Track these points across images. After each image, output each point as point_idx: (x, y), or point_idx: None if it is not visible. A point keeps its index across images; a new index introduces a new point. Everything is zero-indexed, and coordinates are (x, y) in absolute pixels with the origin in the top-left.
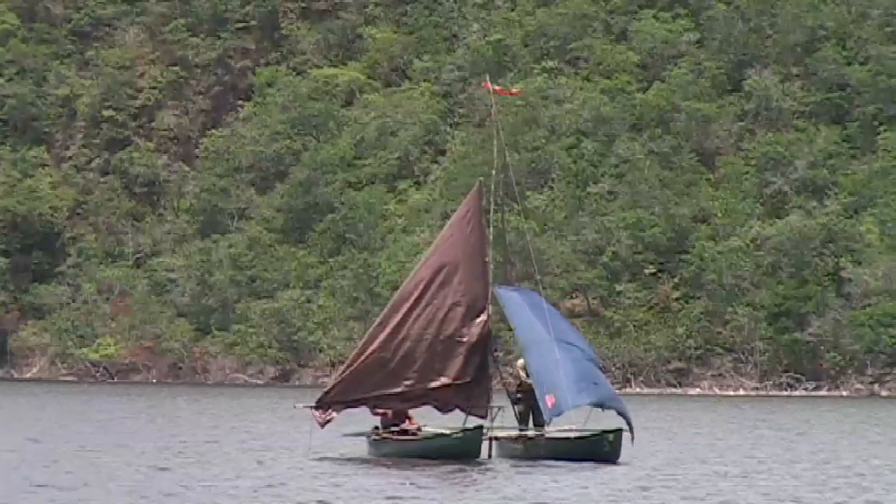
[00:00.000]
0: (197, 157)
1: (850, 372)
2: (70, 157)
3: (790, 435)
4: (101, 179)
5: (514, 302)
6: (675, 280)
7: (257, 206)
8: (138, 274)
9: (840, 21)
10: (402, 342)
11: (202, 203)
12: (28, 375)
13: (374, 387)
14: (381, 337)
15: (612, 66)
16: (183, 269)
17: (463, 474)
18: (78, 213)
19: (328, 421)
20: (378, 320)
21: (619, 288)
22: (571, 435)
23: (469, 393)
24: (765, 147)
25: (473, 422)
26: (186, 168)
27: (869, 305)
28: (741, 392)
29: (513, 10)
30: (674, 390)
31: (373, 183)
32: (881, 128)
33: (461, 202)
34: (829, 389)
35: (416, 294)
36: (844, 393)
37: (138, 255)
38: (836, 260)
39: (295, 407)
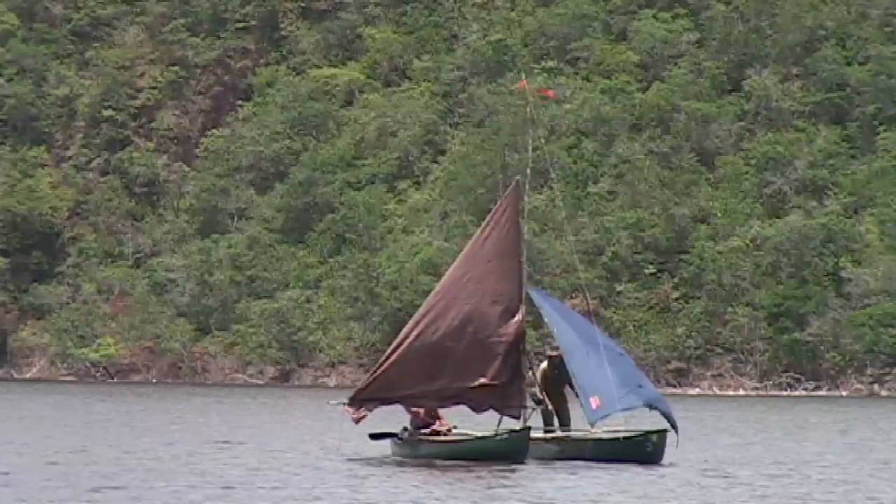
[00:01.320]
0: (197, 157)
1: (849, 372)
2: (70, 157)
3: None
4: (101, 179)
5: (550, 303)
6: (675, 280)
7: (257, 206)
8: (138, 274)
9: (840, 21)
10: (439, 340)
11: (202, 203)
12: (28, 375)
13: (410, 385)
14: (418, 334)
15: (612, 66)
16: (183, 269)
17: (506, 476)
18: (78, 213)
19: (362, 418)
20: (414, 318)
21: (618, 288)
22: (613, 436)
23: (503, 393)
24: (764, 147)
25: (508, 423)
26: (186, 168)
27: (869, 305)
28: (741, 392)
29: (513, 10)
30: (673, 390)
31: (373, 183)
32: (881, 128)
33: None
34: (828, 389)
35: (453, 292)
36: (844, 393)
37: (138, 255)
38: (835, 260)
39: (329, 403)
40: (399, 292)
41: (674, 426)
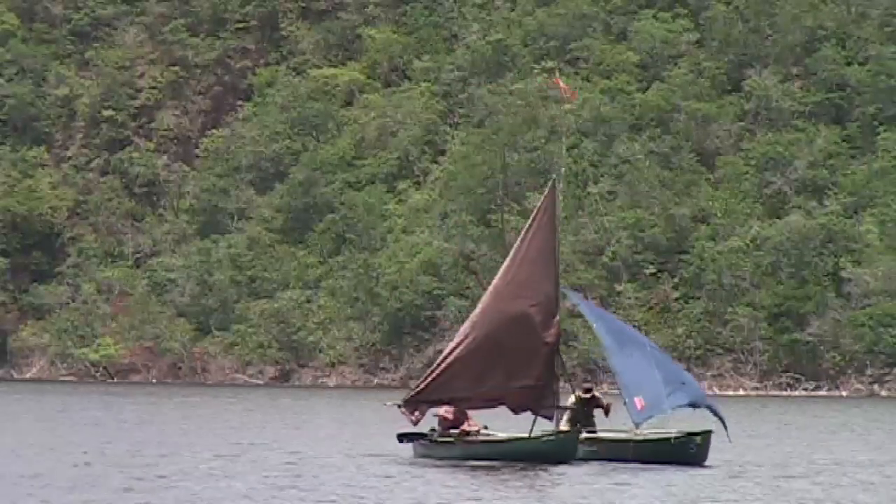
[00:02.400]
0: (197, 157)
1: (849, 372)
2: (70, 158)
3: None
4: (101, 179)
5: (587, 304)
6: (675, 280)
7: (257, 206)
8: (138, 274)
9: (840, 21)
10: (488, 342)
11: (202, 203)
12: (28, 376)
13: (461, 387)
14: (471, 337)
15: (612, 67)
16: (183, 270)
17: (547, 477)
18: (78, 214)
19: (419, 420)
20: (469, 320)
21: (618, 288)
22: (655, 437)
23: (540, 394)
24: (764, 147)
25: (542, 424)
26: (186, 168)
27: (869, 305)
28: (741, 392)
29: (512, 10)
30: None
31: (372, 183)
32: (881, 128)
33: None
34: (828, 389)
35: (501, 294)
36: (844, 393)
37: (138, 256)
38: (835, 260)
39: (385, 405)
40: (399, 292)
41: (723, 423)
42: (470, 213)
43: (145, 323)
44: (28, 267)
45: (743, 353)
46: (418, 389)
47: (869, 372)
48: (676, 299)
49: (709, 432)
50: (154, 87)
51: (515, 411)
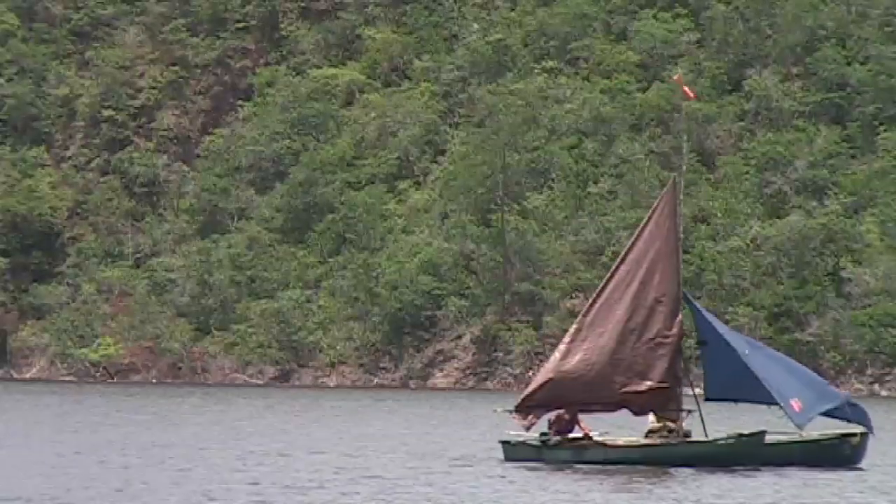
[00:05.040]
0: (197, 157)
1: (850, 372)
2: (70, 157)
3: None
4: (101, 179)
5: (701, 307)
6: None
7: (257, 206)
8: (138, 274)
9: (840, 21)
10: (605, 344)
11: (202, 203)
12: (28, 376)
13: (579, 391)
14: (584, 340)
15: (612, 66)
16: (182, 270)
17: (704, 478)
18: (77, 213)
19: (532, 424)
20: (577, 321)
21: None
22: (805, 438)
23: (667, 395)
24: (765, 147)
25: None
26: (186, 168)
27: (869, 305)
28: None
29: (513, 10)
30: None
31: (372, 183)
32: (881, 128)
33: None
34: None
35: (617, 294)
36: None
37: (138, 256)
38: (835, 260)
39: (495, 411)
40: (399, 292)
41: (869, 427)
42: (470, 212)
43: (145, 323)
44: (28, 267)
45: None
46: (527, 395)
47: (869, 372)
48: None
49: (865, 433)
50: (154, 87)
51: (637, 414)
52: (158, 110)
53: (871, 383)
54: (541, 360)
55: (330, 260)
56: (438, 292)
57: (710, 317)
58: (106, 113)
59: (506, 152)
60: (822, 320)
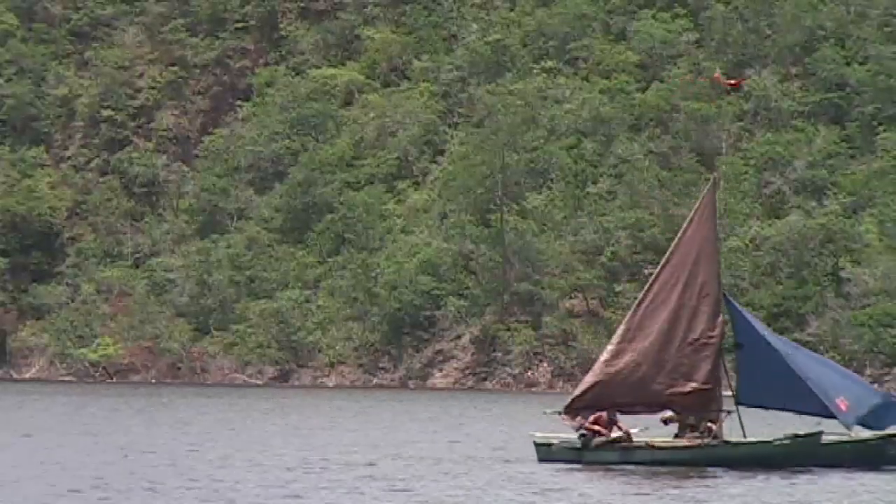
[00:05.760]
0: (196, 157)
1: None
2: (69, 158)
3: None
4: (100, 179)
5: (742, 307)
6: None
7: (256, 206)
8: (137, 274)
9: (839, 21)
10: (651, 345)
11: (201, 203)
12: (27, 376)
13: (625, 392)
14: (633, 341)
15: (611, 67)
16: (182, 270)
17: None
18: (77, 214)
19: (581, 426)
20: (624, 322)
21: (617, 288)
22: (855, 438)
23: (709, 396)
24: (764, 147)
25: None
26: (185, 168)
27: (868, 305)
28: None
29: (512, 10)
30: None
31: (372, 183)
32: (880, 128)
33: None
34: None
35: (662, 295)
36: None
37: (137, 256)
38: (835, 260)
39: (545, 413)
40: (398, 292)
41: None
42: (469, 213)
43: (144, 323)
44: (27, 267)
45: None
46: (576, 396)
47: (868, 372)
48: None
49: None
50: (153, 87)
51: (679, 414)
52: (158, 110)
53: (871, 383)
54: (540, 361)
55: (329, 260)
56: (437, 292)
57: (750, 317)
58: (105, 113)
59: (505, 152)
60: (821, 320)
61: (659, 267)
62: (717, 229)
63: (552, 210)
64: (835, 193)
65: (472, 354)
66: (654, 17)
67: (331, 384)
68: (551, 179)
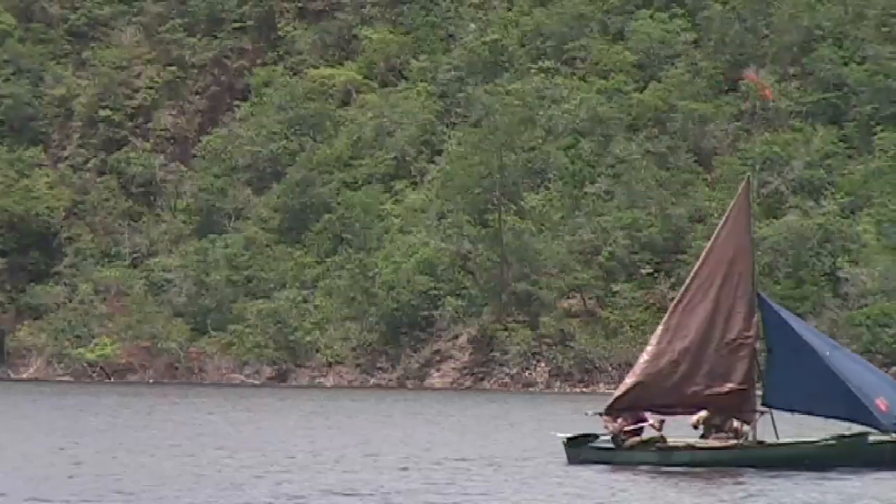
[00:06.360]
0: (194, 157)
1: None
2: (66, 158)
3: None
4: (98, 179)
5: (778, 306)
6: (672, 280)
7: (254, 206)
8: (135, 274)
9: (837, 21)
10: (690, 346)
11: (199, 203)
12: (25, 376)
13: (664, 393)
14: (672, 342)
15: (609, 66)
16: (179, 270)
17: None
18: (74, 213)
19: (622, 428)
20: (662, 325)
21: (615, 288)
22: (873, 440)
23: (743, 398)
24: (761, 147)
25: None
26: (183, 168)
27: (866, 305)
28: None
29: (509, 10)
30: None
31: (369, 183)
32: (878, 128)
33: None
34: None
35: (699, 296)
36: None
37: (135, 256)
38: (832, 260)
39: (586, 414)
40: (396, 292)
41: None
42: (467, 213)
43: (142, 323)
44: (25, 267)
45: None
46: (617, 397)
47: None
48: (673, 299)
49: None
50: (151, 87)
51: (713, 414)
52: (155, 110)
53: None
54: (538, 361)
55: (327, 260)
56: (435, 292)
57: (787, 315)
58: (103, 113)
59: (502, 152)
60: (818, 320)
61: (696, 266)
62: (750, 231)
63: (550, 210)
64: (832, 193)
65: (470, 354)
66: (651, 16)
67: (328, 384)
68: (549, 179)
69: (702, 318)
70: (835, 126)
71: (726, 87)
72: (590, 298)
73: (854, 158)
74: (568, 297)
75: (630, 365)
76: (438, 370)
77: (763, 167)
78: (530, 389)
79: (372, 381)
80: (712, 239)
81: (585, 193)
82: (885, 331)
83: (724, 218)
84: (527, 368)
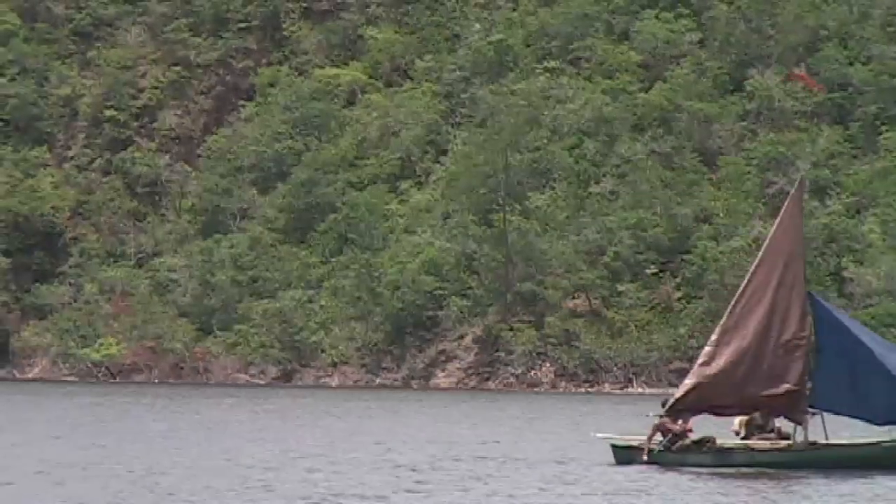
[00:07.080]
0: (199, 157)
1: None
2: (72, 158)
3: None
4: (103, 179)
5: (830, 306)
6: (677, 280)
7: (259, 206)
8: (140, 274)
9: (842, 21)
10: (748, 347)
11: (204, 203)
12: (30, 376)
13: (723, 394)
14: (730, 343)
15: (614, 66)
16: (185, 270)
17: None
18: (80, 213)
19: (684, 429)
20: (720, 325)
21: (620, 288)
22: None
23: (795, 398)
24: (766, 147)
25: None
26: (188, 168)
27: (871, 305)
28: None
29: (515, 10)
30: (675, 390)
31: (374, 183)
32: (883, 128)
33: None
34: None
35: (757, 296)
36: None
37: (140, 256)
38: (837, 260)
39: (647, 416)
40: (401, 292)
41: None
42: (472, 213)
43: (147, 323)
44: (30, 267)
45: None
46: (678, 398)
47: None
48: (678, 299)
49: None
50: (156, 87)
51: (770, 416)
52: (160, 110)
53: None
54: (543, 361)
55: (332, 260)
56: (440, 292)
57: (840, 316)
58: (108, 113)
59: (508, 152)
60: None
61: (753, 266)
62: (802, 232)
63: (555, 210)
64: (838, 193)
65: (475, 354)
66: (657, 16)
67: (333, 384)
68: (554, 179)
69: (759, 319)
70: (840, 126)
71: (732, 87)
72: (595, 298)
73: (859, 158)
74: (573, 297)
75: (634, 364)
76: (443, 370)
77: (768, 167)
78: (535, 389)
79: (377, 381)
80: (767, 239)
81: (590, 193)
82: (890, 331)
83: (778, 218)
84: (532, 368)
